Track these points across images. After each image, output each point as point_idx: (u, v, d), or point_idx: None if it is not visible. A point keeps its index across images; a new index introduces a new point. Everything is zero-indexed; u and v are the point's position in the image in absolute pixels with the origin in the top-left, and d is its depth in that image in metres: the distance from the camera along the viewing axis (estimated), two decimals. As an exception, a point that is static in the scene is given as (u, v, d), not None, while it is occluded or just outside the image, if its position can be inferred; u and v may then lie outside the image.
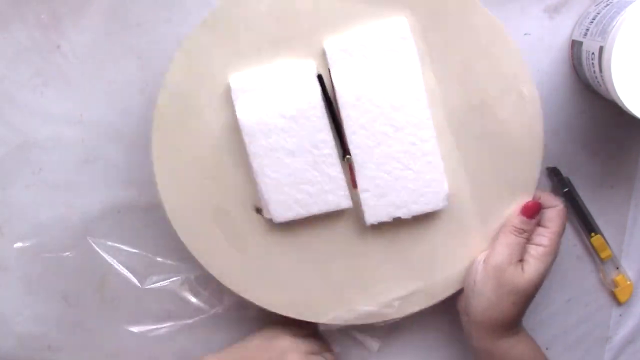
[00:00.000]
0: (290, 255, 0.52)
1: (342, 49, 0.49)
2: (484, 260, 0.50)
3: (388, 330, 0.57)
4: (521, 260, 0.50)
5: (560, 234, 0.51)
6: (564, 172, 0.56)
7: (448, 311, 0.55)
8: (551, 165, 0.56)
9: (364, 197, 0.50)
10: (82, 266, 0.56)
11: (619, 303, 0.59)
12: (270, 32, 0.49)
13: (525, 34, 0.53)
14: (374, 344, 0.57)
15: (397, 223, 0.51)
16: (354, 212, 0.51)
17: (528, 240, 0.50)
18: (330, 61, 0.49)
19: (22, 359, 0.59)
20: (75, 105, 0.55)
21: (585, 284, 0.58)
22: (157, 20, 0.53)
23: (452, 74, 0.50)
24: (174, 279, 0.56)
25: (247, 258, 0.52)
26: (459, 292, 0.53)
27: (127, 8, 0.53)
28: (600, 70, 0.47)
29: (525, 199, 0.51)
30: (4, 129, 0.55)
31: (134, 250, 0.56)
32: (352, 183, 0.50)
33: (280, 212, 0.50)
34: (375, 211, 0.50)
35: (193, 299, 0.57)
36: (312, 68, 0.49)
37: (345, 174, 0.50)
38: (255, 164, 0.49)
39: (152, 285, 0.56)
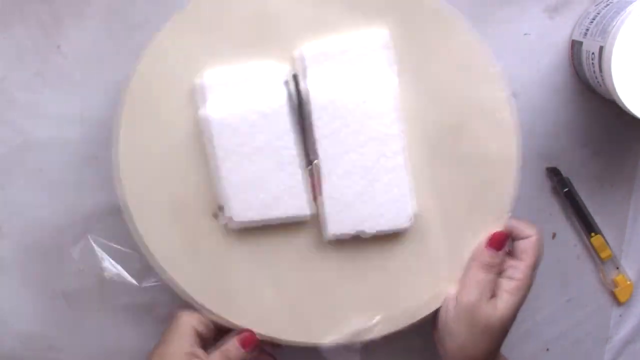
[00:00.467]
0: (246, 264, 0.50)
1: (321, 53, 0.48)
2: (456, 298, 0.49)
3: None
4: (494, 296, 0.48)
5: (535, 266, 0.49)
6: (564, 172, 0.56)
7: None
8: (551, 165, 0.56)
9: (328, 205, 0.48)
10: (82, 266, 0.56)
11: (619, 303, 0.59)
12: (244, 35, 0.48)
13: (525, 34, 0.53)
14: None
15: (359, 241, 0.49)
16: (315, 227, 0.49)
17: (500, 273, 0.49)
18: (307, 63, 0.48)
19: (22, 359, 0.59)
20: (75, 105, 0.54)
21: (585, 284, 0.58)
22: (157, 20, 0.53)
23: (430, 91, 0.49)
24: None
25: (201, 262, 0.50)
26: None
27: (127, 8, 0.53)
28: (600, 70, 0.47)
29: (496, 227, 0.49)
30: (4, 129, 0.55)
31: (134, 251, 0.56)
32: (315, 192, 0.48)
33: (241, 211, 0.48)
34: (337, 222, 0.48)
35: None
36: (285, 70, 0.48)
37: (308, 183, 0.48)
38: (220, 160, 0.48)
39: (152, 284, 0.56)
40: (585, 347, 0.59)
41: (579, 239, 0.58)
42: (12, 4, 0.53)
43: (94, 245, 0.56)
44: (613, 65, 0.45)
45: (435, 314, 0.50)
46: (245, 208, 0.48)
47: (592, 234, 0.57)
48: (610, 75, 0.45)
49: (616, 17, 0.46)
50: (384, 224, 0.48)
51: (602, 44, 0.47)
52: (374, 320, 0.50)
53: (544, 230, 0.57)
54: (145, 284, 0.56)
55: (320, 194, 0.48)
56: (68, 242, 0.56)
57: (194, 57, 0.48)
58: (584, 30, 0.51)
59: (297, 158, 0.48)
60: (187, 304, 0.50)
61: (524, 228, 0.49)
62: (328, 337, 0.50)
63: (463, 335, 0.48)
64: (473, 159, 0.49)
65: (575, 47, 0.52)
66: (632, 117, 0.46)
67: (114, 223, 0.56)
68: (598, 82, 0.49)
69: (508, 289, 0.48)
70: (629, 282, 0.58)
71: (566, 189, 0.56)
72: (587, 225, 0.57)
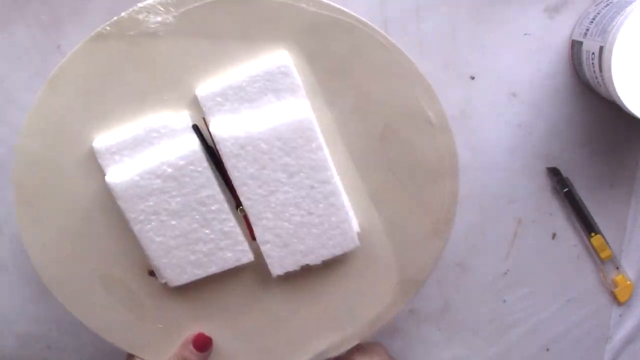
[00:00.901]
0: (196, 313, 0.49)
1: (217, 95, 0.44)
2: None
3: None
4: None
5: None
6: (564, 172, 0.56)
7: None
8: (551, 165, 0.56)
9: (265, 249, 0.46)
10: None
11: (619, 303, 0.59)
12: (134, 84, 0.44)
13: (525, 34, 0.53)
14: None
15: (309, 269, 0.48)
16: (261, 263, 0.47)
17: None
18: (205, 110, 0.44)
19: (22, 359, 0.59)
20: (75, 105, 0.55)
21: (585, 284, 0.58)
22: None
23: (347, 103, 0.46)
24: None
25: (148, 322, 0.49)
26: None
27: (127, 8, 0.53)
28: (600, 70, 0.47)
29: (446, 233, 0.48)
30: (4, 129, 0.55)
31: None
32: (251, 234, 0.47)
33: (174, 276, 0.47)
34: (280, 262, 0.47)
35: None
36: (185, 120, 0.45)
37: (242, 226, 0.47)
38: (137, 229, 0.45)
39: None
40: (585, 347, 0.59)
41: (579, 239, 0.58)
42: (12, 4, 0.53)
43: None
44: (613, 65, 0.45)
45: None
46: (179, 272, 0.47)
47: (592, 234, 0.57)
48: (610, 75, 0.45)
49: (616, 17, 0.46)
50: (328, 252, 0.47)
51: (602, 44, 0.47)
52: (338, 338, 0.50)
53: (544, 230, 0.57)
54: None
55: (255, 238, 0.47)
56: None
57: (83, 118, 0.45)
58: (584, 30, 0.51)
59: (225, 204, 0.46)
60: None
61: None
62: None
63: None
64: (405, 164, 0.47)
65: (575, 47, 0.52)
66: (632, 117, 0.46)
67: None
68: (598, 82, 0.49)
69: None
70: (629, 282, 0.58)
71: (566, 189, 0.56)
72: (587, 225, 0.57)
